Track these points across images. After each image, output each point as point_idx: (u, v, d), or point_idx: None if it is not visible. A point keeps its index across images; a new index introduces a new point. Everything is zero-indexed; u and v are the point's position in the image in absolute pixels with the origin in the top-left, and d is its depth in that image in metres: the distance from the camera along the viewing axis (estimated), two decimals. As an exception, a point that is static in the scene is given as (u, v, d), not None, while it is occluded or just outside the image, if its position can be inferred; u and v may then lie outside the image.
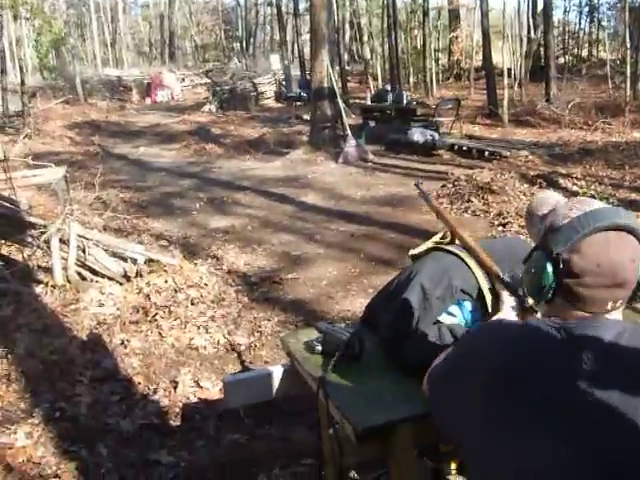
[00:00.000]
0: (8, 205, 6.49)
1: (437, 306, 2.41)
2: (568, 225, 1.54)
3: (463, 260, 2.46)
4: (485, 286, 2.38)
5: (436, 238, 2.69)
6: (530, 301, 2.05)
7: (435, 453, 2.63)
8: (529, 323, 1.56)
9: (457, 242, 2.57)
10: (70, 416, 4.19)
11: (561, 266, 1.52)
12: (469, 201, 9.35)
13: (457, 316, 2.45)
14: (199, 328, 5.44)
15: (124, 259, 6.20)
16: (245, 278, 6.93)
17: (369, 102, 17.64)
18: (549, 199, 2.36)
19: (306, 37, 26.67)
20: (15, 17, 22.76)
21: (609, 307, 1.53)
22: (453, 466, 2.65)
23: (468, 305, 2.46)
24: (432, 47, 28.62)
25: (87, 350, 4.97)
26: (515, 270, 2.46)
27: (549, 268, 1.54)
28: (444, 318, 2.43)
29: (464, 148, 13.57)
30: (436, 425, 1.74)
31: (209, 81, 29.02)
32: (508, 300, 2.21)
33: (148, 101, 29.21)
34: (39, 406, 4.29)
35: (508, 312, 2.18)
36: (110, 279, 6.04)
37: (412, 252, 2.72)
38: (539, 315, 2.08)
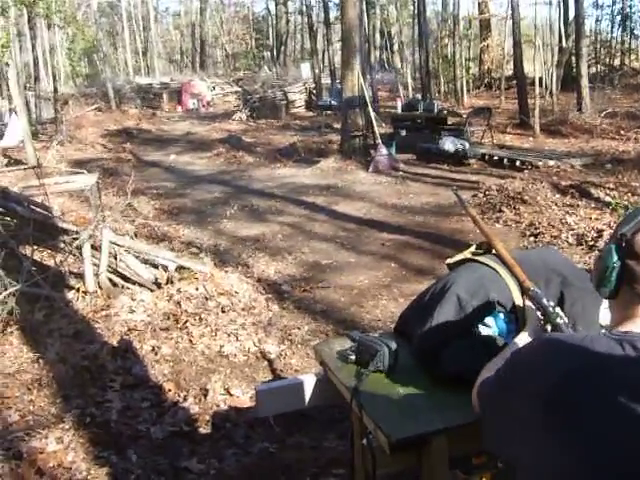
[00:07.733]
0: (41, 211, 6.54)
1: (473, 317, 2.39)
2: (634, 210, 1.58)
3: (498, 273, 2.44)
4: (518, 299, 2.37)
5: (472, 249, 2.68)
6: (558, 318, 2.05)
7: (468, 465, 2.61)
8: (589, 335, 1.52)
9: (493, 252, 2.55)
10: (101, 422, 4.20)
11: (623, 245, 1.52)
12: (500, 211, 9.30)
13: (492, 327, 2.43)
14: (229, 336, 5.43)
15: (155, 266, 6.21)
16: (275, 286, 6.93)
17: (400, 111, 17.65)
18: None
19: (337, 46, 26.73)
20: (49, 25, 23.04)
21: None
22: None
23: (502, 317, 2.44)
24: (463, 56, 28.54)
25: (118, 356, 4.98)
26: (551, 279, 2.45)
27: (613, 248, 1.54)
28: (480, 329, 2.41)
29: (495, 158, 13.48)
30: (486, 444, 1.68)
31: (240, 89, 29.19)
32: (533, 314, 2.19)
33: (179, 109, 29.40)
34: (70, 411, 4.31)
35: (533, 325, 2.14)
36: (141, 286, 6.05)
37: (449, 261, 2.72)
38: (566, 330, 2.05)
